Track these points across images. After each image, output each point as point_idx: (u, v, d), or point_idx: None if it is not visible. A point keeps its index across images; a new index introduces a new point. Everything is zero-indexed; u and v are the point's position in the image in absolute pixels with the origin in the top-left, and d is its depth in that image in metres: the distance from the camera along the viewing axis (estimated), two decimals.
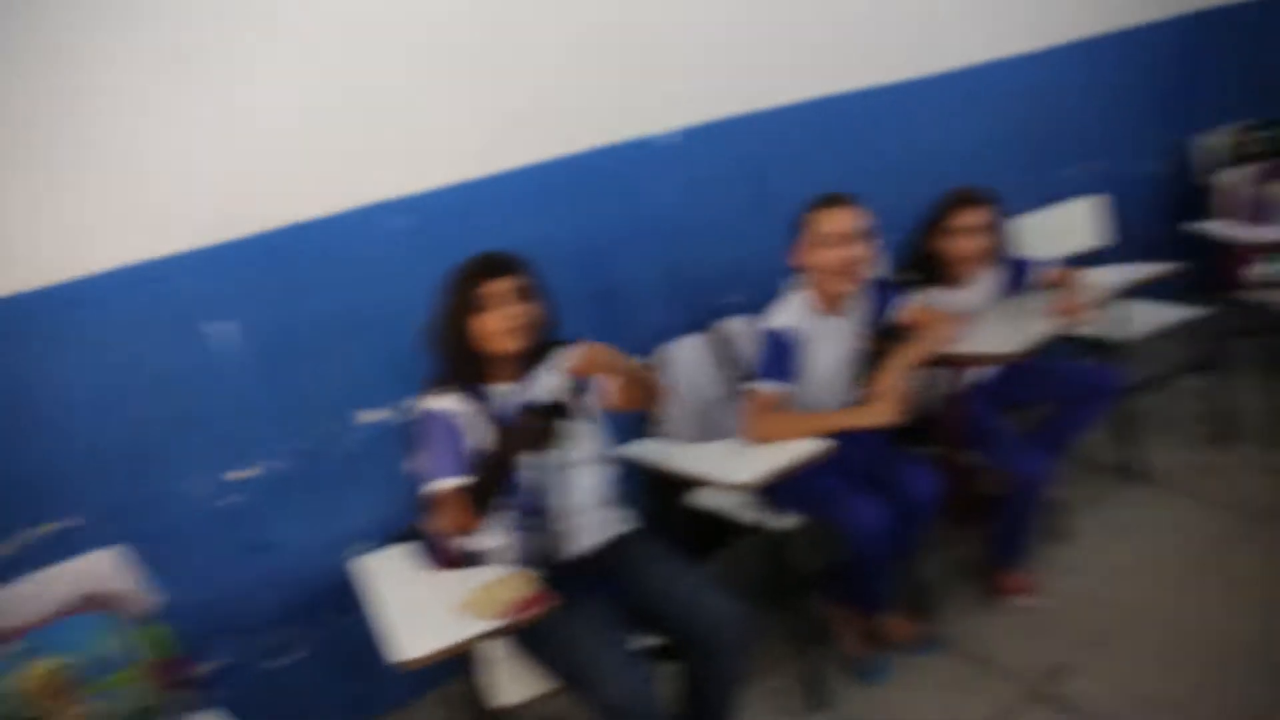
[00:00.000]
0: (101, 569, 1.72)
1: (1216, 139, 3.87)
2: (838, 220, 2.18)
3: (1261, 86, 3.98)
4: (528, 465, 1.81)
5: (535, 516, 1.87)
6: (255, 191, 2.08)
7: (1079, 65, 3.65)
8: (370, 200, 2.22)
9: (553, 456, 1.83)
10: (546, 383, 1.90)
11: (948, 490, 2.20)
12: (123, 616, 1.70)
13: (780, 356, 2.20)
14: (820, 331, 2.26)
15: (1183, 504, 2.76)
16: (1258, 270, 3.06)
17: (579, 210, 2.52)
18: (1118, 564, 2.53)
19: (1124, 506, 2.79)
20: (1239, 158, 3.67)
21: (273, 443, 2.16)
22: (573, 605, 1.70)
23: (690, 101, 2.67)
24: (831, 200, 2.21)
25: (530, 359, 1.90)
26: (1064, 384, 2.54)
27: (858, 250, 2.17)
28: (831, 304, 2.26)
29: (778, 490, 2.03)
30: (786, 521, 2.16)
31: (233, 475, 2.13)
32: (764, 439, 2.12)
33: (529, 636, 1.72)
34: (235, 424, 2.11)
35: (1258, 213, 3.19)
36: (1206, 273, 3.35)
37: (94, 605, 1.69)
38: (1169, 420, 3.23)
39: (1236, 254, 3.12)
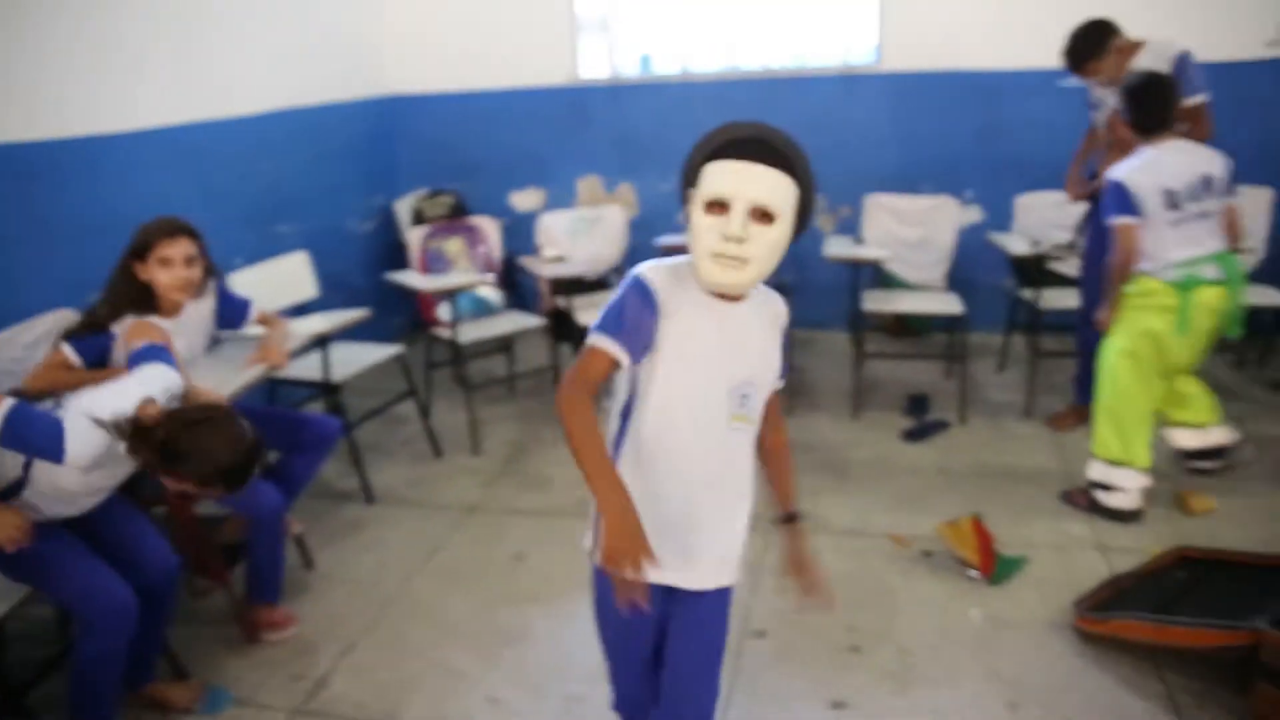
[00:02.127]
0: None
1: (406, 203, 4.63)
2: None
3: (434, 162, 4.90)
4: None
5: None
6: None
7: (292, 132, 3.98)
8: None
9: None
10: None
11: (185, 549, 2.19)
12: None
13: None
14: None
15: (407, 513, 3.23)
16: (441, 311, 3.77)
17: None
18: (360, 577, 2.84)
19: (360, 526, 3.14)
20: (420, 219, 4.46)
21: None
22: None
23: None
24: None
25: None
26: (289, 432, 2.72)
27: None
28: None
29: None
30: None
31: None
32: None
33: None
34: None
35: (430, 264, 3.92)
36: (409, 315, 4.02)
37: None
38: (389, 443, 3.77)
39: (428, 299, 3.78)
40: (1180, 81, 3.02)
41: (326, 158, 4.27)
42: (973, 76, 4.27)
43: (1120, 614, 2.28)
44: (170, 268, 2.40)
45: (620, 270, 4.24)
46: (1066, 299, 3.74)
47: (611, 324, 1.39)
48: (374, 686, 2.35)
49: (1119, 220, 2.80)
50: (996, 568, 2.62)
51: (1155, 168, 2.79)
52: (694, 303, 1.41)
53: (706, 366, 1.43)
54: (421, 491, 3.38)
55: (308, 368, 3.20)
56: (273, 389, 3.38)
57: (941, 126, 4.29)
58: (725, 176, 1.34)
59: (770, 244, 1.34)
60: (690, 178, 1.41)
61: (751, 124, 1.38)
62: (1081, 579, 2.57)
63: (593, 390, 1.40)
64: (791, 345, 1.61)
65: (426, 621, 2.61)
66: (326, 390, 3.18)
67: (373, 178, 4.68)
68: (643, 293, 1.39)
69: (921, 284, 4.05)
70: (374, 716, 2.24)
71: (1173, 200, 2.77)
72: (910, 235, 3.97)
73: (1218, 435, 3.12)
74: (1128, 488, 2.88)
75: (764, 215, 1.33)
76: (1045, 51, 3.45)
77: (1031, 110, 4.22)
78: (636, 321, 1.38)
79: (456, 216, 4.42)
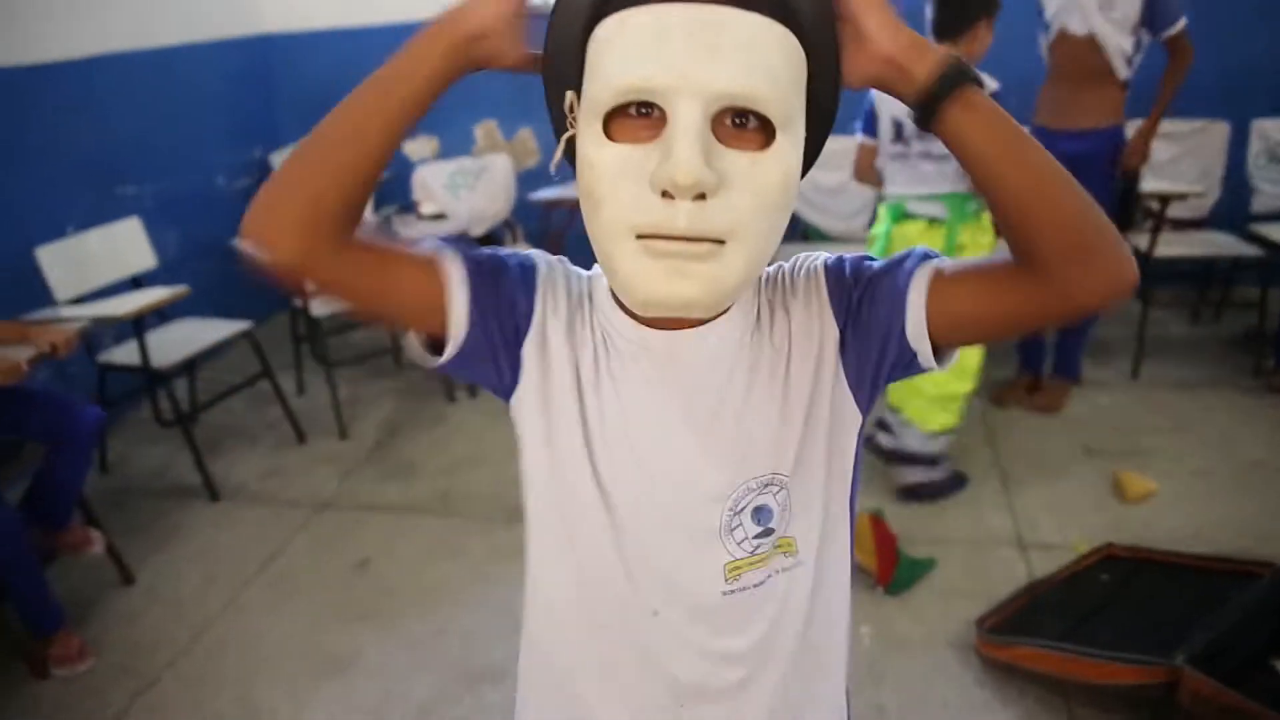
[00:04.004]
0: None
1: (284, 155, 4.16)
2: None
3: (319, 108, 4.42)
4: None
5: None
6: None
7: (135, 78, 3.51)
8: None
9: None
10: None
11: None
12: None
13: None
14: None
15: (251, 513, 2.86)
16: None
17: None
18: (183, 594, 2.49)
19: (195, 530, 2.77)
20: None
21: None
22: None
23: None
24: None
25: None
26: (50, 417, 2.31)
27: None
28: None
29: None
30: None
31: None
32: None
33: None
34: None
35: None
36: (262, 287, 3.59)
37: None
38: (254, 428, 3.39)
39: None
40: (1155, 9, 2.69)
41: (184, 107, 3.80)
42: None
43: (1025, 640, 1.94)
44: None
45: (510, 226, 3.81)
46: None
47: (466, 248, 0.75)
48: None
49: (857, 138, 2.65)
50: (897, 574, 2.27)
51: None
52: (615, 336, 0.75)
53: (649, 483, 0.75)
54: (274, 485, 3.01)
55: (132, 353, 2.81)
56: (102, 378, 2.97)
57: None
58: (647, 42, 0.63)
59: (771, 191, 0.65)
60: (564, 69, 0.70)
61: None
62: (995, 586, 2.23)
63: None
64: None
65: (243, 648, 2.27)
66: (148, 377, 2.79)
67: (245, 129, 4.20)
68: (525, 275, 0.76)
69: (843, 236, 3.63)
70: None
71: (899, 132, 2.49)
72: (829, 181, 3.51)
73: (913, 442, 2.57)
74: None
75: (748, 124, 0.64)
76: None
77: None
78: (502, 285, 0.75)
79: None
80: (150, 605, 2.45)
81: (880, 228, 2.61)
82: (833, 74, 0.69)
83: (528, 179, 4.03)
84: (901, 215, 2.55)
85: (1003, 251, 0.70)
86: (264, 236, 0.67)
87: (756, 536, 0.75)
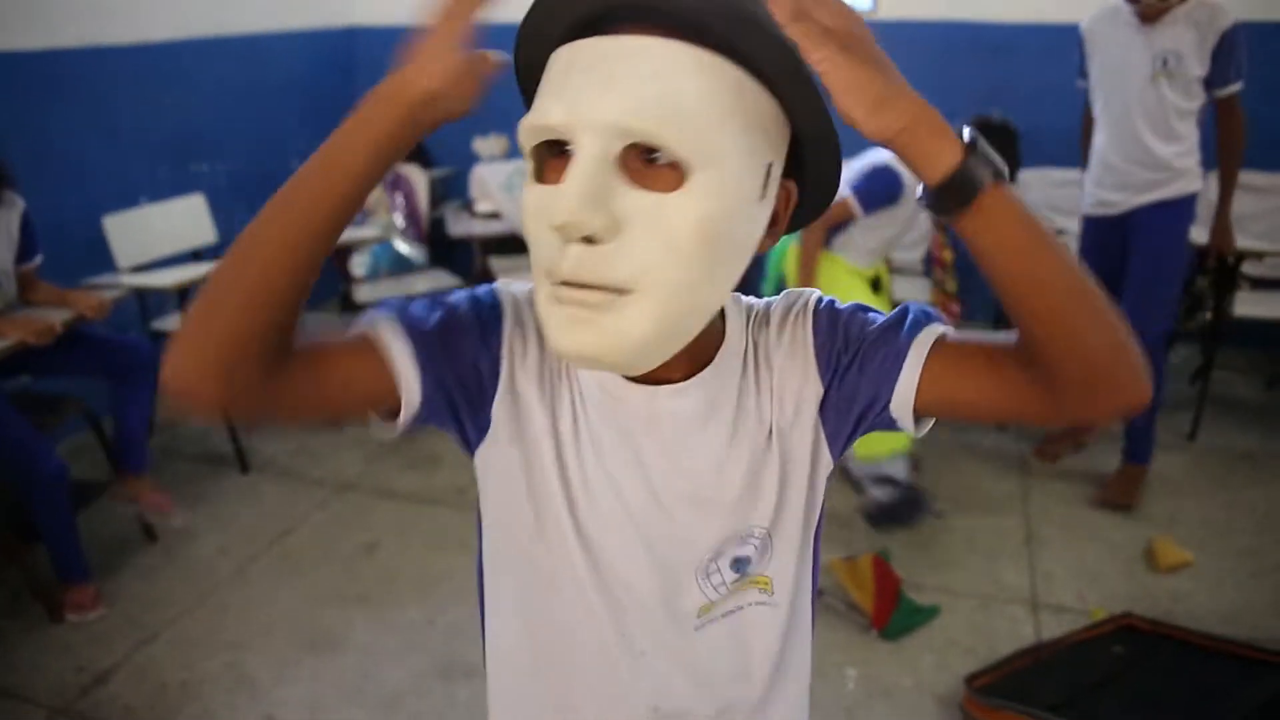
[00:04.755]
0: None
1: None
2: None
3: None
4: None
5: None
6: None
7: (217, 63, 3.68)
8: None
9: None
10: None
11: None
12: None
13: None
14: None
15: (277, 487, 2.95)
16: (355, 266, 3.45)
17: None
18: (198, 558, 2.58)
19: (221, 497, 2.87)
20: None
21: None
22: None
23: None
24: None
25: None
26: (100, 356, 2.55)
27: None
28: None
29: None
30: None
31: None
32: None
33: None
34: None
35: None
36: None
37: None
38: None
39: (342, 251, 3.45)
40: (1225, 64, 2.45)
41: (266, 92, 3.96)
42: (977, 29, 3.66)
43: (1014, 705, 1.84)
44: None
45: None
46: None
47: (410, 308, 0.70)
48: (154, 689, 2.09)
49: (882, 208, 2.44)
50: (895, 618, 2.19)
51: None
52: (593, 388, 0.71)
53: (633, 533, 0.72)
54: (302, 462, 3.10)
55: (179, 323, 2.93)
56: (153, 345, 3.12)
57: (941, 84, 3.70)
58: (556, 78, 0.61)
59: (682, 236, 0.58)
60: (526, 93, 0.68)
61: None
62: (997, 642, 2.13)
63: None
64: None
65: (243, 615, 2.34)
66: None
67: (324, 117, 4.29)
68: (486, 329, 0.70)
69: (902, 268, 3.53)
70: None
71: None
72: None
73: (862, 465, 2.56)
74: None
75: (655, 161, 0.59)
76: (1061, 4, 2.88)
77: (1045, 72, 3.61)
78: (457, 347, 0.69)
79: (416, 160, 4.08)
80: (166, 564, 2.55)
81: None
82: (816, 112, 0.63)
83: None
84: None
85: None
86: (184, 387, 0.59)
87: (733, 582, 0.74)
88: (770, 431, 0.72)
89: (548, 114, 0.59)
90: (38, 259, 2.51)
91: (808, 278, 2.46)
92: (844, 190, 2.36)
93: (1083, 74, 2.72)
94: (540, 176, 0.62)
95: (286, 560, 2.57)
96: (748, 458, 0.72)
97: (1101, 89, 2.65)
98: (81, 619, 2.31)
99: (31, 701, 2.07)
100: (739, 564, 0.74)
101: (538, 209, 0.61)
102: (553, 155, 0.62)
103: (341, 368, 0.66)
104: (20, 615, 2.32)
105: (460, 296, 0.72)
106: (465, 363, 0.69)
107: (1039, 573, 2.42)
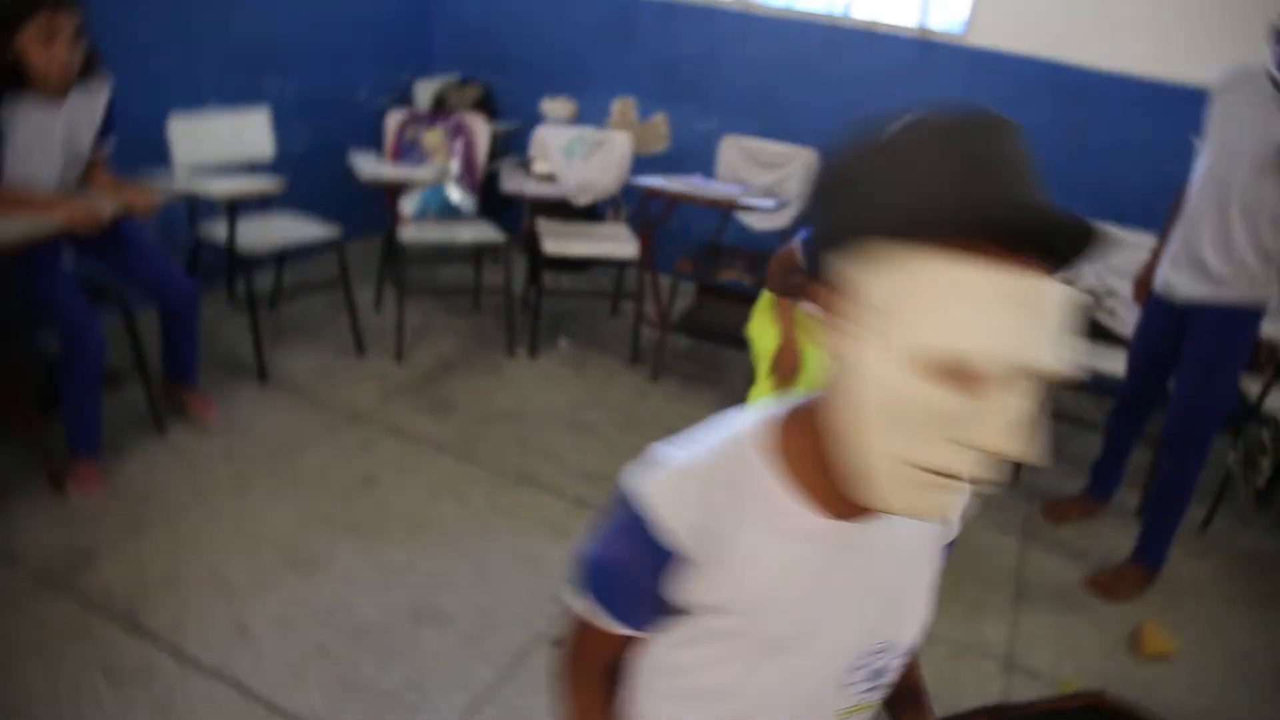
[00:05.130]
0: None
1: (432, 85, 4.31)
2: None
3: (471, 48, 4.55)
4: None
5: None
6: None
7: None
8: None
9: None
10: None
11: None
12: None
13: None
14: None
15: (291, 403, 3.00)
16: (404, 205, 3.47)
17: None
18: (204, 457, 2.64)
19: (236, 404, 2.93)
20: (441, 105, 4.13)
21: None
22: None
23: None
24: None
25: None
26: (146, 276, 2.60)
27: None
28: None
29: None
30: None
31: None
32: None
33: None
34: None
35: (403, 152, 3.57)
36: (371, 202, 3.73)
37: None
38: (321, 328, 3.54)
39: (392, 189, 3.47)
40: None
41: (346, 18, 3.98)
42: (1061, 70, 3.55)
43: None
44: (52, 45, 2.17)
45: (616, 204, 3.83)
46: (1112, 362, 3.07)
47: (599, 580, 0.79)
48: (136, 577, 2.15)
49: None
50: None
51: None
52: (775, 532, 0.74)
53: (802, 640, 0.77)
54: (320, 385, 3.14)
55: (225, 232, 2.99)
56: (196, 250, 3.18)
57: (1018, 118, 3.59)
58: (981, 308, 0.60)
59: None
60: (834, 237, 0.67)
61: (1004, 137, 0.67)
62: (962, 697, 2.11)
63: (602, 669, 0.87)
64: None
65: (236, 521, 2.39)
66: (230, 257, 2.97)
67: (399, 52, 4.37)
68: (643, 542, 0.74)
69: None
70: (113, 609, 2.04)
71: None
72: None
73: None
74: None
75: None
76: (1150, 58, 2.80)
77: (1123, 125, 3.52)
78: (635, 582, 0.77)
79: (483, 109, 4.09)
80: (171, 459, 2.61)
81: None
82: None
83: (641, 161, 4.05)
84: None
85: None
86: None
87: (865, 689, 0.83)
88: (930, 556, 0.85)
89: (972, 346, 0.60)
90: (112, 140, 2.53)
91: (787, 329, 2.30)
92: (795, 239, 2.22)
93: (1199, 134, 2.39)
94: (930, 376, 0.62)
95: (286, 477, 2.61)
96: (920, 580, 0.84)
97: (1205, 161, 2.34)
98: (82, 496, 2.38)
99: (23, 567, 2.14)
100: (877, 674, 0.84)
101: (947, 416, 0.62)
102: (947, 370, 0.61)
103: (613, 653, 0.87)
104: (25, 484, 2.39)
105: (618, 525, 0.77)
106: (651, 594, 0.78)
107: (1020, 632, 2.39)
